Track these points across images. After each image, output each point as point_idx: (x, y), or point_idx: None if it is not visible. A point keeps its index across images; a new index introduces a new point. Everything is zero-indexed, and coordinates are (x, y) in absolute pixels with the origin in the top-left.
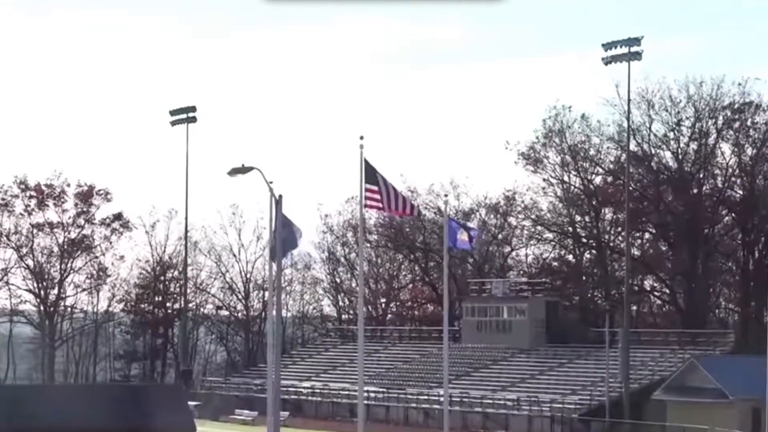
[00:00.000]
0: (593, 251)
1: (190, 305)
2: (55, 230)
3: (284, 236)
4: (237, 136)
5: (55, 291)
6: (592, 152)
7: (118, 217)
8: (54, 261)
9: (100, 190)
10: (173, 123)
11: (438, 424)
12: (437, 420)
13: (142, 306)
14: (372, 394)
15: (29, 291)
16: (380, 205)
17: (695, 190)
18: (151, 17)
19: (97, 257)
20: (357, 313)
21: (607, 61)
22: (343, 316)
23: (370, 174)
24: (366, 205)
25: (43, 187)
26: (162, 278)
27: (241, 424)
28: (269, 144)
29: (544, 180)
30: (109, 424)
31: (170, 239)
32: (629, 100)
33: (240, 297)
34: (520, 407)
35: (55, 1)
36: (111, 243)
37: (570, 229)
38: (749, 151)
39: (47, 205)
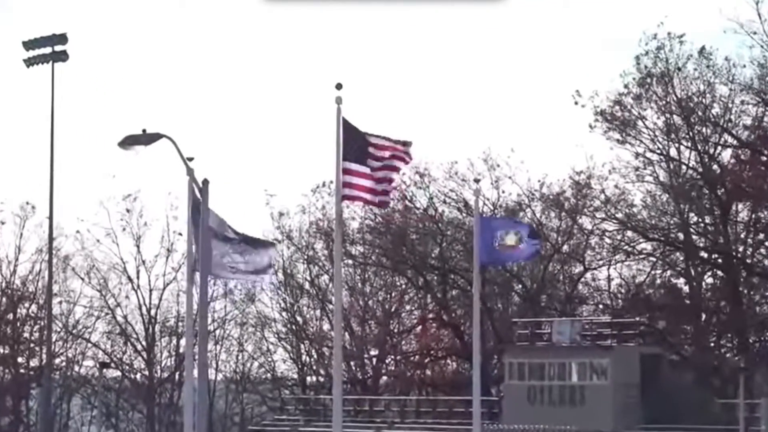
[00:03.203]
0: (719, 272)
1: (58, 361)
2: None
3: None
4: (134, 85)
5: None
6: (716, 110)
7: None
8: None
9: None
10: (29, 62)
11: None
12: None
13: None
14: None
15: None
16: (367, 196)
17: None
18: None
19: None
20: (332, 374)
21: None
22: (308, 379)
23: (352, 144)
24: (345, 197)
25: None
26: (11, 317)
27: None
28: (187, 99)
29: (637, 156)
30: None
31: (24, 252)
32: None
33: (139, 348)
34: None
35: None
36: None
37: (680, 236)
38: None
39: None
